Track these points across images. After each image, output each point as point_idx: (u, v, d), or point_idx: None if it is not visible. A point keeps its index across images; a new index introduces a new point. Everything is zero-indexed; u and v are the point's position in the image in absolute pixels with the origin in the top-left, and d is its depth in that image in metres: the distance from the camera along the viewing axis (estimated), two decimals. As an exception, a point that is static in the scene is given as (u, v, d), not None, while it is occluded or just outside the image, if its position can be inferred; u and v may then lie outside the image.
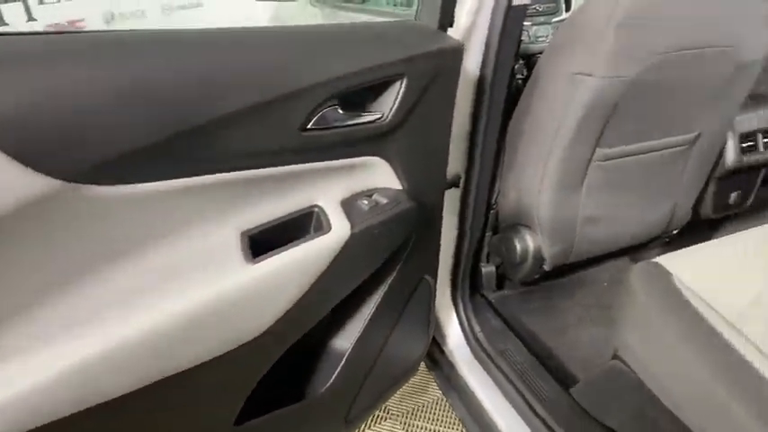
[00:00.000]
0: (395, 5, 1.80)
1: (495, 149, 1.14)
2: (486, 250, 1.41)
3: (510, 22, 0.96)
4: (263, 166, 0.66)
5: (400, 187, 0.86)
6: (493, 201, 1.32)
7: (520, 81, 1.43)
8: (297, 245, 0.69)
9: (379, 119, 0.77)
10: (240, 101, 0.61)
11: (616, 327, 1.08)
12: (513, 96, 1.22)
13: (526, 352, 1.28)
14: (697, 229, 1.53)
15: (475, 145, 1.09)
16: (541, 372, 1.23)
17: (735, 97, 1.18)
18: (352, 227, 0.74)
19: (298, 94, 0.65)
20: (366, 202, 0.78)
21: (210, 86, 0.60)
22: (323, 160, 0.74)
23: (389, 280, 0.90)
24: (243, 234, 0.68)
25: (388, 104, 0.77)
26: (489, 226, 1.36)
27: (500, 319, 1.38)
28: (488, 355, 1.26)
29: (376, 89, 0.77)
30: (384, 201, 0.81)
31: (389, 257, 0.86)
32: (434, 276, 1.06)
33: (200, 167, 0.61)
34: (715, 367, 0.89)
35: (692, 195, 1.37)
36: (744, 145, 1.36)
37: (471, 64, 0.99)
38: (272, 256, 0.66)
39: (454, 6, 0.90)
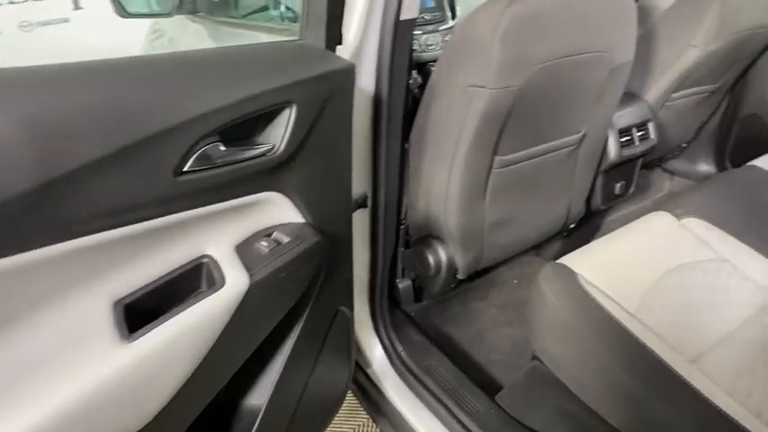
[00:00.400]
0: (283, 19, 1.73)
1: (400, 164, 1.12)
2: (400, 265, 1.38)
3: (400, 37, 0.94)
4: (135, 221, 0.57)
5: (303, 220, 0.80)
6: (402, 215, 1.30)
7: (416, 90, 1.44)
8: (184, 308, 0.60)
9: (271, 151, 0.70)
10: (100, 147, 0.52)
11: (531, 329, 1.10)
12: (411, 108, 1.21)
13: (450, 364, 1.27)
14: (587, 216, 1.63)
15: (378, 162, 1.06)
16: (467, 383, 1.23)
17: (612, 97, 1.26)
18: (250, 275, 0.67)
19: (169, 134, 0.57)
20: (265, 243, 0.71)
21: (63, 132, 0.50)
22: (208, 204, 0.65)
23: (302, 321, 0.84)
24: (116, 304, 0.58)
25: (278, 134, 0.71)
26: (401, 241, 1.33)
27: (422, 334, 1.36)
28: (413, 374, 1.24)
29: (264, 119, 0.70)
30: (286, 239, 0.74)
31: (300, 298, 0.80)
32: (350, 306, 1.01)
33: (55, 232, 0.50)
34: (621, 358, 0.93)
35: (584, 191, 1.45)
36: (622, 140, 1.46)
37: (365, 82, 0.95)
38: (152, 328, 0.57)
39: (341, 24, 0.86)
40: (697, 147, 2.06)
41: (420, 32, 1.42)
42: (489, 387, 1.23)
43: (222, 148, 0.64)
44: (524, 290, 1.60)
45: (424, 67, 1.42)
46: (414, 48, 1.42)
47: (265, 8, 1.77)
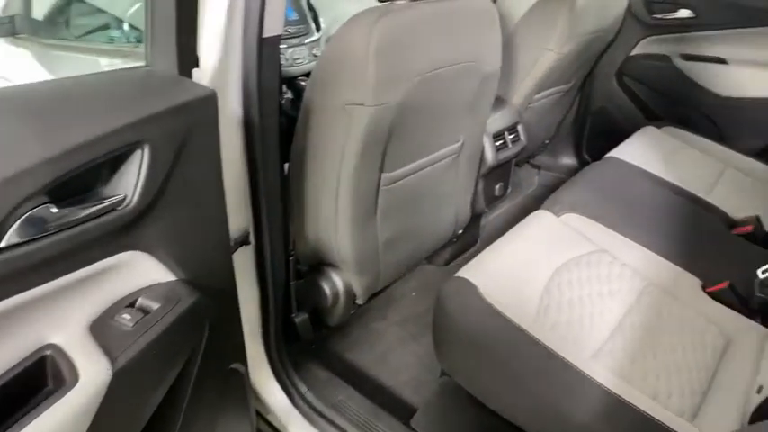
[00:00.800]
0: (128, 40, 1.51)
1: (281, 192, 1.02)
2: (294, 299, 1.28)
3: (266, 55, 0.85)
4: None
5: (174, 278, 0.67)
6: (290, 246, 1.20)
7: (288, 108, 1.36)
8: (25, 423, 0.46)
9: (122, 204, 0.58)
10: None
11: (437, 348, 1.07)
12: (287, 129, 1.12)
13: (359, 396, 1.20)
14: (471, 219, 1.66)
15: (258, 193, 0.96)
16: (379, 412, 1.17)
17: (485, 104, 1.28)
18: (111, 361, 0.53)
19: None
20: (128, 316, 0.58)
21: None
22: (45, 281, 0.51)
23: (188, 393, 0.71)
24: None
25: (130, 183, 0.58)
26: (292, 273, 1.23)
27: (325, 368, 1.28)
28: (320, 414, 1.15)
29: (108, 166, 0.57)
30: (155, 305, 0.62)
31: (182, 367, 0.67)
32: (243, 359, 0.90)
33: None
34: (529, 364, 0.93)
35: (468, 196, 1.47)
36: (497, 144, 1.51)
37: (231, 108, 0.85)
38: None
39: (196, 45, 0.75)
40: (558, 142, 2.23)
41: (285, 46, 1.36)
42: (403, 411, 1.19)
43: (54, 210, 0.50)
44: (423, 301, 1.58)
45: (294, 82, 1.37)
46: (280, 63, 1.35)
47: (105, 27, 1.55)
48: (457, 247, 1.74)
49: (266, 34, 0.83)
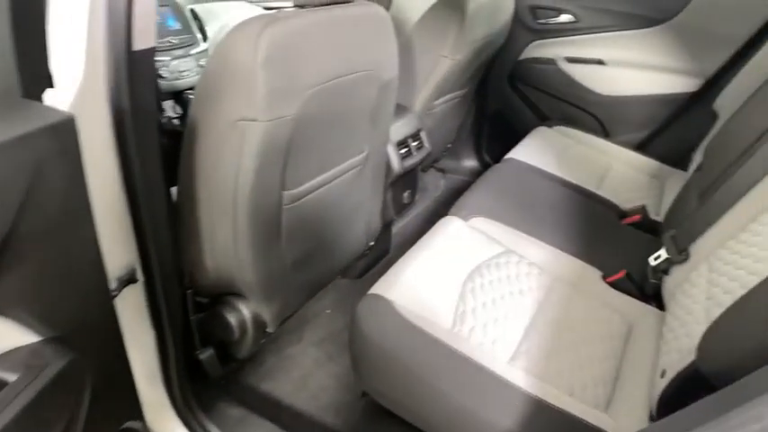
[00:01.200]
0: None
1: (170, 220, 0.92)
2: (197, 335, 1.17)
3: (137, 71, 0.75)
4: None
5: (37, 338, 0.56)
6: (186, 278, 1.09)
7: (176, 122, 1.26)
8: None
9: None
10: None
11: (356, 369, 1.03)
12: (172, 149, 1.02)
13: (278, 430, 1.12)
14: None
15: (142, 225, 0.85)
16: (301, 445, 1.10)
17: (386, 113, 1.26)
18: None
19: None
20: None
21: None
22: None
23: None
24: None
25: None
26: (191, 307, 1.12)
27: (239, 404, 1.18)
28: (238, 458, 1.06)
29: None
30: (12, 376, 0.51)
31: None
32: (139, 415, 0.79)
33: None
34: (449, 377, 0.91)
35: (377, 207, 1.44)
36: (402, 152, 1.50)
37: (99, 131, 0.74)
38: None
39: (47, 61, 0.64)
40: (460, 145, 2.28)
41: (169, 58, 1.27)
42: (328, 440, 1.13)
43: None
44: (339, 318, 1.53)
45: (181, 96, 1.28)
46: (164, 75, 1.25)
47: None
48: (370, 259, 1.71)
49: (136, 47, 0.74)
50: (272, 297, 1.12)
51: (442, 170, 2.35)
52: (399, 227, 1.99)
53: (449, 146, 2.19)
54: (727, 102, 1.57)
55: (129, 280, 0.87)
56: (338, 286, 1.66)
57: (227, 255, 1.03)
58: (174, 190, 1.04)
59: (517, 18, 1.92)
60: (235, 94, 0.88)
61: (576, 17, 1.86)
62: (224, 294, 1.12)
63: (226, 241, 1.01)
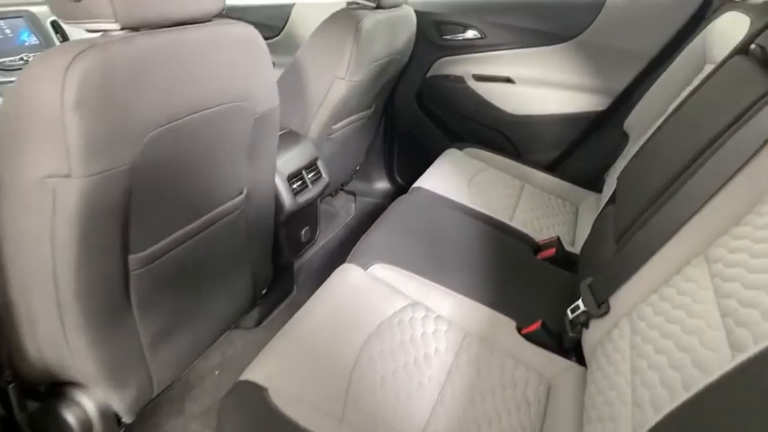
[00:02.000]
0: None
1: None
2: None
3: None
4: None
5: None
6: (5, 372, 0.85)
7: None
8: None
9: None
10: None
11: None
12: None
13: None
14: (279, 271, 1.45)
15: None
16: None
17: (268, 146, 1.07)
18: None
19: None
20: None
21: None
22: None
23: None
24: None
25: None
26: (16, 404, 0.87)
27: None
28: None
29: None
30: None
31: None
32: None
33: None
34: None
35: (265, 252, 1.24)
36: (294, 186, 1.31)
37: None
38: None
39: None
40: (369, 167, 2.13)
41: None
42: None
43: None
44: (229, 379, 1.31)
45: None
46: None
47: None
48: (269, 304, 1.51)
49: None
50: (123, 383, 0.89)
51: (352, 193, 2.19)
52: (306, 260, 1.80)
53: (357, 168, 2.03)
54: (635, 122, 1.52)
55: None
56: (231, 339, 1.45)
57: (52, 339, 0.80)
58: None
59: (422, 34, 1.80)
60: (37, 144, 0.66)
61: (481, 33, 1.77)
62: (58, 385, 0.88)
63: (48, 324, 0.78)
